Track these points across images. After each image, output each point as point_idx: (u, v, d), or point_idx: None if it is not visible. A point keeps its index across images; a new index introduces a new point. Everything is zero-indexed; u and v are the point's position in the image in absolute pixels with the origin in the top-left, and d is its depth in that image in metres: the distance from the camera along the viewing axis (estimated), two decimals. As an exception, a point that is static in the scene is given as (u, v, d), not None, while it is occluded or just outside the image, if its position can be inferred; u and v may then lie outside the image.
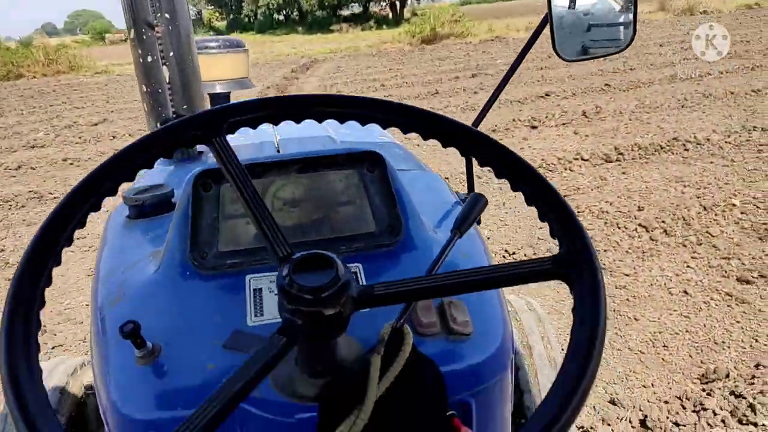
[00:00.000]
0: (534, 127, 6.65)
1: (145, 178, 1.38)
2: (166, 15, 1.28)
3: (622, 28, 1.35)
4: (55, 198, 5.41)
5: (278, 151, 1.46)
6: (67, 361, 1.51)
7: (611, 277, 3.07)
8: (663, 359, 2.36)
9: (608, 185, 4.52)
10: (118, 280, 0.94)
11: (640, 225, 3.60)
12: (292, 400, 0.71)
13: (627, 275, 3.06)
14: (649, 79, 9.01)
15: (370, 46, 21.30)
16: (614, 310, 2.75)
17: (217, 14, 60.39)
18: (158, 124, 1.34)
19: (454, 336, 0.80)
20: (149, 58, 1.31)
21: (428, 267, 0.80)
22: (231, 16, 57.31)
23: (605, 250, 3.35)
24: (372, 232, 0.95)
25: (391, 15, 45.70)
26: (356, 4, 46.74)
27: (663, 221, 3.63)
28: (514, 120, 6.93)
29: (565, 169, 5.02)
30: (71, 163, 6.83)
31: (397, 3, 45.59)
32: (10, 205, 5.32)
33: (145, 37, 1.29)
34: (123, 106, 11.40)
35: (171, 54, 1.32)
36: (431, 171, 1.40)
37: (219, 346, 0.78)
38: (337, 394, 0.66)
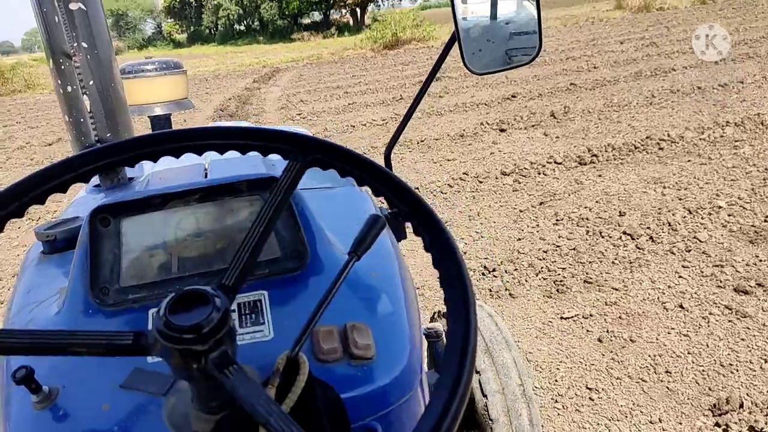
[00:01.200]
0: (503, 130, 6.45)
1: (72, 207, 1.35)
2: (84, 44, 1.23)
3: (536, 36, 1.30)
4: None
5: (206, 175, 1.39)
6: None
7: (600, 292, 2.84)
8: (668, 388, 2.14)
9: (585, 189, 4.32)
10: (24, 320, 0.91)
11: (624, 233, 3.39)
12: None
13: (616, 290, 2.84)
14: (614, 77, 8.91)
15: (332, 54, 21.04)
16: (608, 331, 2.52)
17: (177, 27, 59.63)
18: None
19: (356, 360, 0.78)
20: (69, 88, 1.26)
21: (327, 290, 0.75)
22: (191, 29, 56.65)
23: (590, 262, 3.13)
24: (276, 257, 0.93)
25: (352, 22, 45.54)
26: (317, 12, 46.42)
27: (648, 227, 3.43)
28: (481, 123, 6.73)
29: (539, 173, 4.81)
30: (17, 188, 6.42)
31: (358, 10, 45.45)
32: (-53, 238, 4.92)
33: (63, 67, 1.24)
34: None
35: (91, 83, 1.27)
36: (356, 188, 1.33)
37: (116, 386, 0.76)
38: (230, 430, 0.62)
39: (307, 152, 0.70)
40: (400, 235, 1.40)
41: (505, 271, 3.11)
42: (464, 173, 4.94)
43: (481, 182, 4.75)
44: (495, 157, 5.47)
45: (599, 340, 2.46)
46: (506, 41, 1.30)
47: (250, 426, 0.61)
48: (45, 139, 9.34)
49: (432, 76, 1.31)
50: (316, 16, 47.09)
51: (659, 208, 3.75)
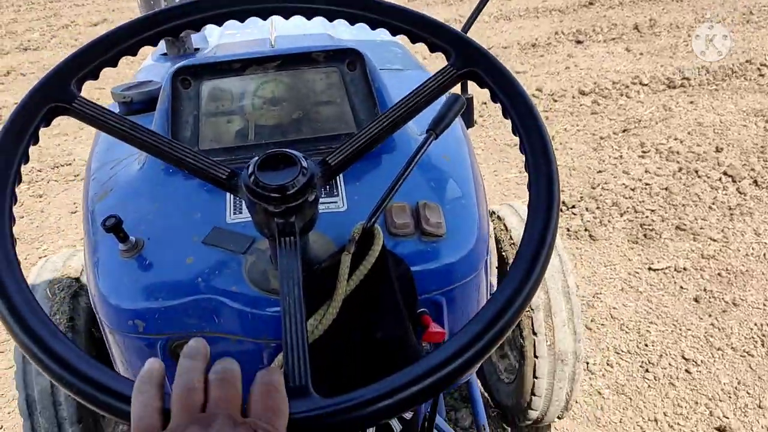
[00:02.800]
0: (579, 42, 5.89)
1: (140, 73, 1.36)
2: None
3: None
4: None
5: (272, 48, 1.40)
6: (51, 258, 1.48)
7: (695, 241, 2.51)
8: (780, 367, 1.86)
9: (675, 117, 3.87)
10: (106, 176, 0.95)
11: (725, 173, 2.99)
12: (266, 294, 0.74)
13: (714, 240, 2.50)
14: (705, -13, 8.06)
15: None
16: (705, 290, 2.22)
17: None
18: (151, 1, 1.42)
19: (426, 237, 0.81)
20: None
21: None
22: None
23: (684, 205, 2.77)
24: (352, 132, 0.93)
25: None
26: None
27: (751, 168, 3.02)
28: (556, 33, 6.16)
29: (622, 95, 4.35)
30: (65, 71, 6.23)
31: None
32: (-6, 121, 4.79)
33: None
34: (125, 3, 10.57)
35: None
36: (428, 72, 1.31)
37: (199, 242, 0.80)
38: (307, 290, 0.59)
39: (470, 63, 0.66)
40: (470, 123, 1.38)
41: (586, 209, 2.79)
42: (537, 89, 4.50)
43: (555, 101, 4.32)
44: (571, 72, 4.99)
45: (696, 300, 2.17)
46: None
47: (326, 288, 0.67)
48: (90, 18, 9.05)
49: None
50: None
51: (762, 147, 3.31)
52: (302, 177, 0.56)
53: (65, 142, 4.11)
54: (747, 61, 4.71)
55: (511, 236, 1.47)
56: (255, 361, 0.79)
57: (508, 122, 0.61)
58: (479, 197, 0.91)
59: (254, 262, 0.77)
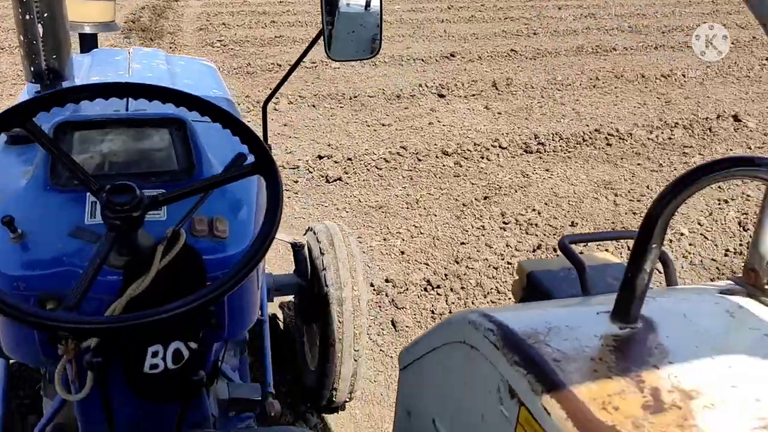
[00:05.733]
0: (442, 96, 5.99)
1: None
2: None
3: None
4: None
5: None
6: None
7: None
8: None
9: (532, 185, 3.96)
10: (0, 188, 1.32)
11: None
12: (110, 268, 1.11)
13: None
14: (555, 48, 8.59)
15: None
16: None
17: None
18: (32, 68, 1.62)
19: (215, 238, 1.22)
20: (27, 16, 1.54)
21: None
22: None
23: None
24: (175, 170, 1.35)
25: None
26: None
27: (605, 249, 3.11)
28: (420, 86, 6.22)
29: (482, 157, 4.40)
30: None
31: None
32: None
33: None
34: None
35: (45, 15, 1.55)
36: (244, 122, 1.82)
37: (66, 235, 1.17)
38: (133, 266, 1.07)
39: (260, 169, 1.13)
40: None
41: (451, 290, 2.70)
42: (402, 147, 4.45)
43: (420, 160, 4.28)
44: (434, 128, 5.01)
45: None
46: (375, 27, 1.69)
47: (146, 265, 1.08)
48: None
49: (300, 59, 1.74)
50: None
51: (613, 221, 3.45)
52: (135, 200, 1.01)
53: None
54: (596, 130, 4.98)
55: (320, 248, 2.06)
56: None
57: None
58: (258, 215, 1.32)
59: (99, 247, 1.10)
